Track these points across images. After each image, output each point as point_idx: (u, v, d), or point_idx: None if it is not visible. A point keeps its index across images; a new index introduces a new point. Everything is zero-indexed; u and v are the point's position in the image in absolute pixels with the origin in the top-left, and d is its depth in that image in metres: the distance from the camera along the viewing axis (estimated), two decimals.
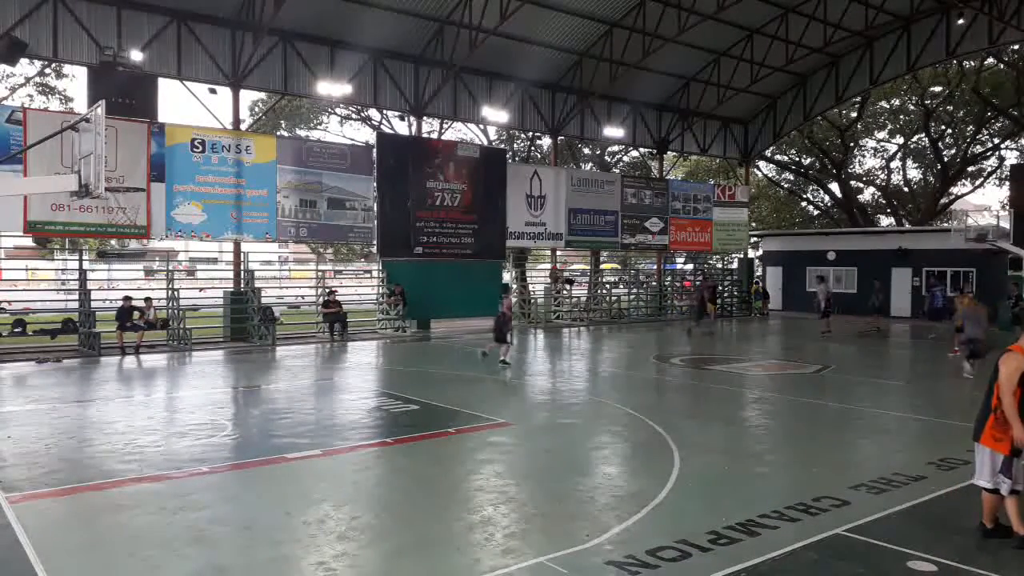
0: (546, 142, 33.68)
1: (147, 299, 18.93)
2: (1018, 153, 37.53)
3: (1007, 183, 33.35)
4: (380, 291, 23.08)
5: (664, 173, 33.20)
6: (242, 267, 21.09)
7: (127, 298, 18.43)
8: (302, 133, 33.59)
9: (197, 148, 19.69)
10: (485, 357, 16.38)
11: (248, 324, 20.09)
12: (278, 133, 30.38)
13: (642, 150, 35.80)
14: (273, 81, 21.94)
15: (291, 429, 9.78)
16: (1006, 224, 27.25)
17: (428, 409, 11.14)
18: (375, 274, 24.19)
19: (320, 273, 23.84)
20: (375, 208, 22.80)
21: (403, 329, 22.45)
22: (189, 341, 18.81)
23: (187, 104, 50.42)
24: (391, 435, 9.56)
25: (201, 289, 23.64)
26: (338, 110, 33.97)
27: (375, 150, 23.37)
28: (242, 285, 20.80)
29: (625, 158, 40.81)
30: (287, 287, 27.35)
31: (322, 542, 5.79)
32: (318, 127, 35.53)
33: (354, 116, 34.64)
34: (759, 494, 6.95)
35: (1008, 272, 26.30)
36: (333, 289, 22.33)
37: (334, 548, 5.66)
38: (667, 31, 24.23)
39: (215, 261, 31.80)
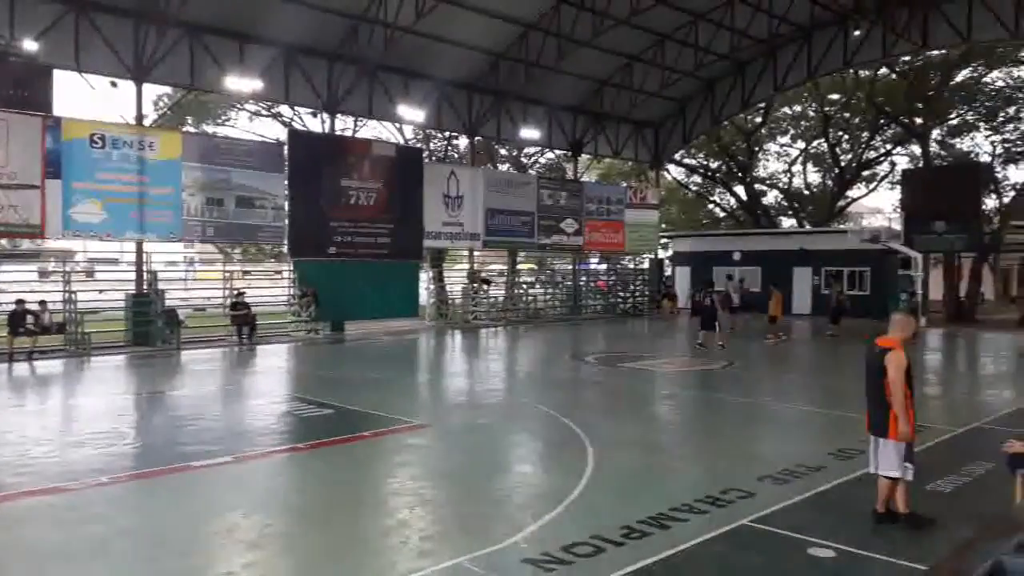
0: (463, 142, 33.65)
1: (41, 302, 17.91)
2: (908, 159, 39.76)
3: (898, 187, 35.33)
4: (292, 292, 22.56)
5: (579, 175, 33.65)
6: (145, 268, 20.23)
7: (19, 301, 17.39)
8: (209, 129, 32.49)
9: (97, 144, 18.75)
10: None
11: (151, 328, 19.28)
12: (184, 129, 29.28)
13: (557, 152, 36.20)
14: (179, 75, 21.10)
15: (197, 436, 9.44)
16: (897, 226, 28.85)
17: (342, 413, 10.95)
18: (286, 275, 23.62)
19: (228, 274, 23.15)
20: (286, 207, 22.25)
21: (316, 331, 22.01)
22: (88, 346, 17.91)
23: (87, 98, 47.83)
24: (304, 440, 9.36)
25: (100, 291, 22.53)
26: (248, 106, 33.02)
27: (286, 147, 22.81)
28: (145, 287, 19.95)
29: (541, 160, 41.21)
30: (193, 289, 26.38)
31: (232, 551, 5.63)
32: (226, 123, 34.45)
33: (264, 112, 33.76)
34: (670, 488, 7.15)
35: (899, 271, 27.83)
36: (241, 291, 21.69)
37: (244, 557, 5.51)
38: (581, 35, 24.58)
39: (116, 262, 30.40)
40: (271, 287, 25.63)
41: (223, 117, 34.23)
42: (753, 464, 8.03)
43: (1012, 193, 36.09)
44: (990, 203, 35.67)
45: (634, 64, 29.12)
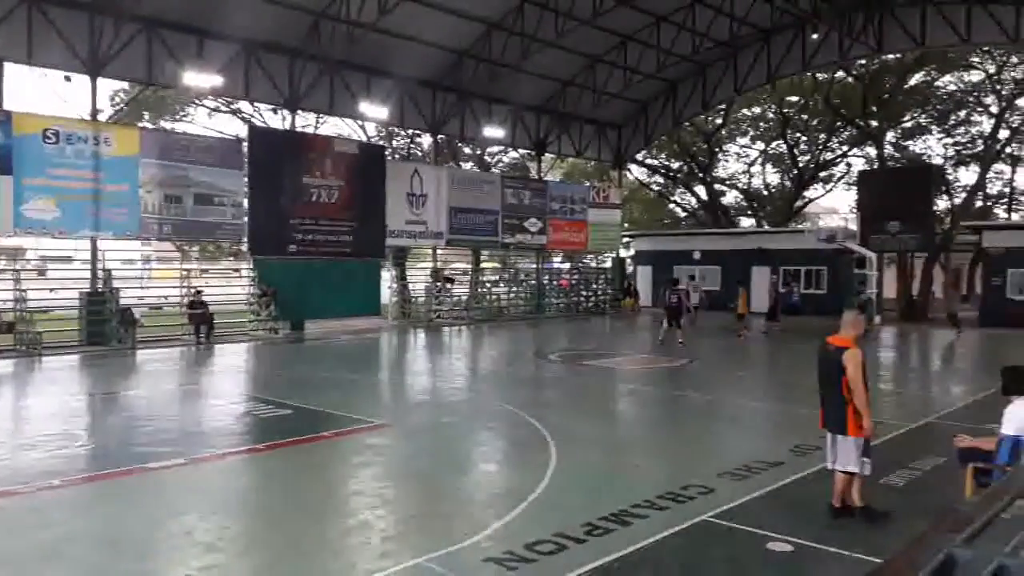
0: (426, 140, 33.53)
1: None
2: (864, 160, 40.63)
3: (854, 188, 36.08)
4: (251, 291, 22.24)
5: (542, 174, 33.76)
6: (99, 266, 19.76)
7: None
8: (167, 125, 31.88)
9: (50, 139, 18.24)
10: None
11: (106, 327, 18.84)
12: (141, 125, 28.69)
13: (521, 151, 36.25)
14: (135, 70, 20.67)
15: (153, 437, 9.25)
16: (853, 226, 29.45)
17: (302, 413, 10.82)
18: (245, 273, 23.27)
19: (185, 272, 22.71)
20: (246, 204, 21.92)
21: (275, 331, 21.73)
22: (39, 346, 17.44)
23: (40, 92, 46.57)
24: (262, 441, 9.23)
25: (52, 290, 21.95)
26: (207, 102, 32.48)
27: (246, 144, 22.48)
28: (99, 285, 19.49)
29: (505, 158, 41.24)
30: (149, 287, 25.83)
31: (189, 554, 5.52)
32: (184, 119, 33.85)
33: (224, 108, 33.24)
34: (632, 484, 7.19)
35: (855, 270, 28.41)
36: (199, 289, 21.33)
37: (201, 560, 5.41)
38: (545, 34, 24.63)
39: (69, 260, 29.66)
40: (229, 286, 25.23)
41: (181, 113, 33.64)
42: (713, 460, 8.13)
43: (963, 194, 37.15)
44: (942, 204, 36.66)
45: (597, 65, 29.28)
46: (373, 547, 5.68)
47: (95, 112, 19.94)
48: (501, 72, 26.29)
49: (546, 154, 33.15)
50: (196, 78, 21.05)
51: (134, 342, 18.65)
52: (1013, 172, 39.24)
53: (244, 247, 23.00)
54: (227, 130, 32.51)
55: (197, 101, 32.30)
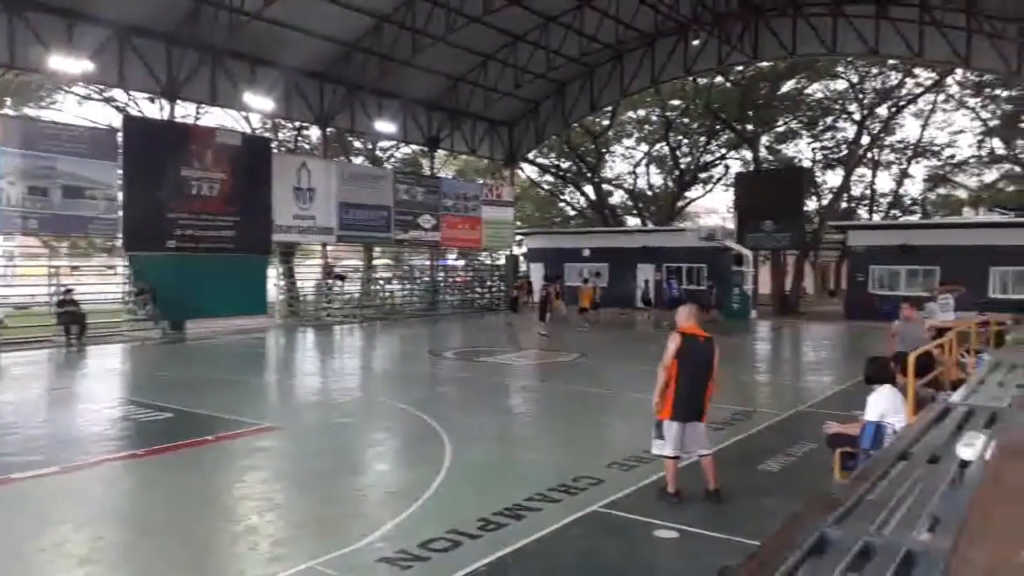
0: (315, 133, 32.68)
1: None
2: (741, 162, 42.63)
3: (732, 188, 37.84)
4: (127, 289, 21.06)
5: (435, 171, 33.60)
6: None
7: None
8: (32, 112, 29.72)
9: None
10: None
11: None
12: (2, 112, 26.63)
13: (413, 147, 35.93)
14: None
15: (20, 445, 8.63)
16: (731, 225, 30.91)
17: (184, 416, 10.35)
18: (120, 270, 22.02)
19: (54, 270, 21.32)
20: (120, 197, 20.73)
21: (154, 330, 20.67)
22: None
23: None
24: (141, 446, 8.76)
25: None
26: (77, 89, 30.47)
27: (120, 134, 21.26)
28: None
29: (397, 154, 40.78)
30: (14, 286, 24.05)
31: (59, 568, 5.20)
32: (52, 107, 31.65)
33: (96, 96, 31.28)
34: (525, 478, 7.29)
35: (732, 267, 29.83)
36: (70, 287, 20.04)
37: (73, 573, 5.11)
38: (435, 30, 24.50)
39: None
40: (103, 284, 23.82)
41: (48, 100, 31.45)
42: (602, 451, 8.35)
43: (830, 196, 39.66)
44: (811, 205, 39.01)
45: (488, 63, 29.39)
46: (262, 552, 5.52)
47: None
48: (392, 66, 25.98)
49: (439, 150, 33.01)
50: (64, 63, 19.74)
51: None
52: (874, 175, 42.23)
53: (119, 243, 21.75)
54: (100, 119, 30.52)
55: (66, 88, 30.27)
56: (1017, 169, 40.83)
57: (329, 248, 28.26)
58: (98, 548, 5.58)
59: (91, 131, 21.84)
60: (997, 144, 40.50)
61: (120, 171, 20.69)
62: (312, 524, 6.14)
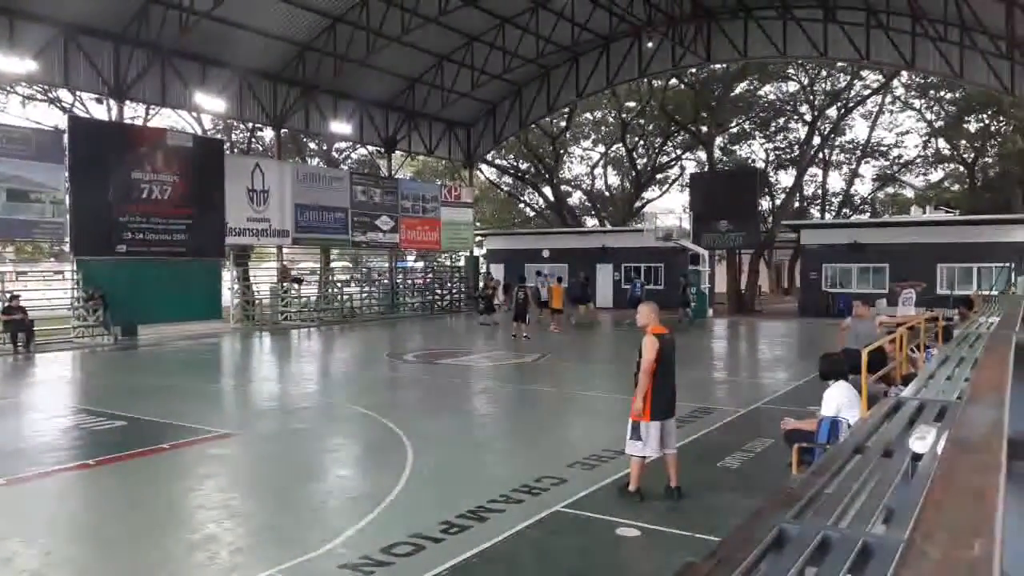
0: (269, 134, 32.26)
1: None
2: (696, 163, 43.27)
3: (687, 189, 38.35)
4: (76, 295, 20.52)
5: (393, 172, 33.40)
6: None
7: None
8: None
9: None
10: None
11: None
12: None
13: (370, 148, 35.66)
14: None
15: None
16: (687, 225, 31.32)
17: (137, 424, 10.10)
18: (69, 275, 21.43)
19: None
20: (67, 201, 20.18)
21: (105, 337, 20.17)
22: None
23: None
24: (93, 456, 8.53)
25: None
26: (20, 89, 29.57)
27: (67, 136, 20.69)
28: None
29: (353, 155, 40.45)
30: None
31: None
32: None
33: (40, 97, 30.41)
34: (487, 480, 7.29)
35: (689, 266, 30.21)
36: (15, 294, 19.43)
37: None
38: (391, 31, 24.37)
39: None
40: (51, 289, 23.16)
41: None
42: (564, 452, 8.37)
43: (783, 195, 40.44)
44: (765, 204, 39.74)
45: (445, 63, 29.33)
46: (221, 561, 5.41)
47: None
48: (347, 67, 25.75)
49: (396, 152, 32.84)
50: (6, 63, 19.15)
51: None
52: (825, 175, 43.21)
53: (67, 247, 21.16)
54: (45, 120, 29.66)
55: (9, 88, 29.36)
56: (962, 169, 42.14)
57: (285, 251, 27.89)
58: (49, 563, 5.42)
59: (36, 133, 21.23)
60: (942, 144, 41.78)
61: (67, 174, 20.15)
62: (272, 531, 6.05)
